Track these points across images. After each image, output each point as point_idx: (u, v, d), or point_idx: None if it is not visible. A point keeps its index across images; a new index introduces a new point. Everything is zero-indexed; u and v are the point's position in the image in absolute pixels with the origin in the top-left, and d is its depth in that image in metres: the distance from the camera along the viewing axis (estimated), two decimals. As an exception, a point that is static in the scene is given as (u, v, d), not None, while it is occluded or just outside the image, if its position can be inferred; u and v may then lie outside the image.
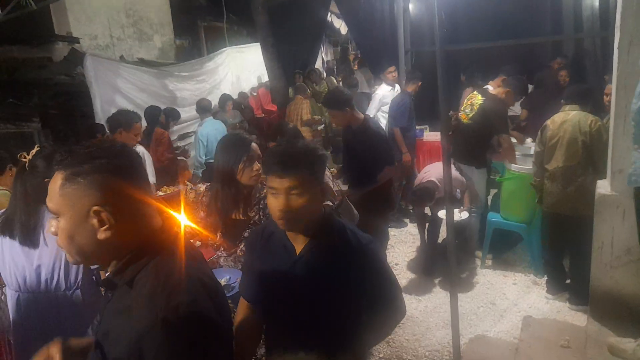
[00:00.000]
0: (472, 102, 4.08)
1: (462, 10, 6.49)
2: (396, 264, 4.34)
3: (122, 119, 3.75)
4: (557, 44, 6.66)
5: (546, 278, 3.70)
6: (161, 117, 5.61)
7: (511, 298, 3.64)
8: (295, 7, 8.18)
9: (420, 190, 3.77)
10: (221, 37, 10.82)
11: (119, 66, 6.42)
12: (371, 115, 5.51)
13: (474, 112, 4.03)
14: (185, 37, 11.34)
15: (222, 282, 2.06)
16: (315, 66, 9.89)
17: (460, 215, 3.77)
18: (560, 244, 3.54)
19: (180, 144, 6.80)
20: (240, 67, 9.61)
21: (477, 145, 4.04)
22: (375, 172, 3.18)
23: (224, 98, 6.98)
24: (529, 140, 4.62)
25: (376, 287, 1.48)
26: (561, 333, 2.87)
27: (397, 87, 5.80)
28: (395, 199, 3.52)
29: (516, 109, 5.96)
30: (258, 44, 8.80)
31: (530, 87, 5.64)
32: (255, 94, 9.54)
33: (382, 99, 5.65)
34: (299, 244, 1.47)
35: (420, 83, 5.21)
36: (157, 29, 10.30)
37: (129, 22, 9.54)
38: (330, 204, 2.71)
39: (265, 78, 9.54)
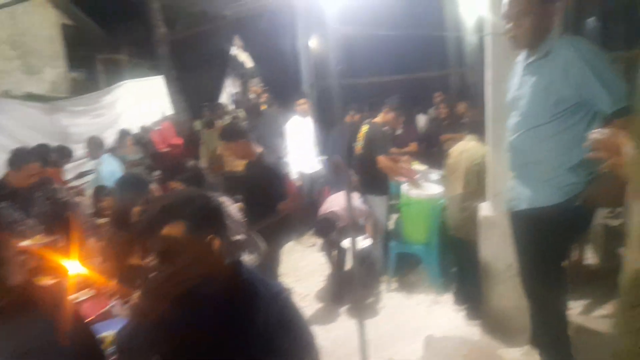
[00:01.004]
0: (361, 133, 4.34)
1: (360, 47, 6.90)
2: (306, 295, 4.35)
3: (12, 158, 3.49)
4: (444, 78, 7.31)
5: (451, 294, 3.95)
6: (52, 156, 5.21)
7: (415, 319, 3.79)
8: (197, 40, 8.16)
9: (321, 221, 3.86)
10: (121, 69, 10.42)
11: (1, 102, 5.90)
12: (287, 148, 5.54)
13: (362, 142, 4.29)
14: (80, 70, 10.75)
15: (111, 335, 1.93)
16: (222, 99, 9.84)
17: (364, 242, 3.91)
18: (458, 264, 3.81)
19: (77, 183, 6.34)
20: (142, 101, 9.29)
21: (371, 174, 4.26)
22: (268, 207, 3.17)
23: (123, 133, 6.67)
24: (424, 167, 4.93)
25: (292, 338, 1.42)
26: (460, 348, 3.05)
27: (309, 118, 5.86)
28: (290, 234, 3.56)
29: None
30: (161, 76, 8.60)
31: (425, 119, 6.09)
32: (159, 128, 9.24)
33: (295, 130, 5.68)
34: (204, 296, 1.37)
35: (352, 113, 5.33)
36: (47, 61, 9.66)
37: (15, 54, 8.86)
38: (242, 237, 2.69)
39: (169, 111, 9.29)
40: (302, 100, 5.72)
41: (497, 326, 2.81)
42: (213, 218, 1.37)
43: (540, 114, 2.15)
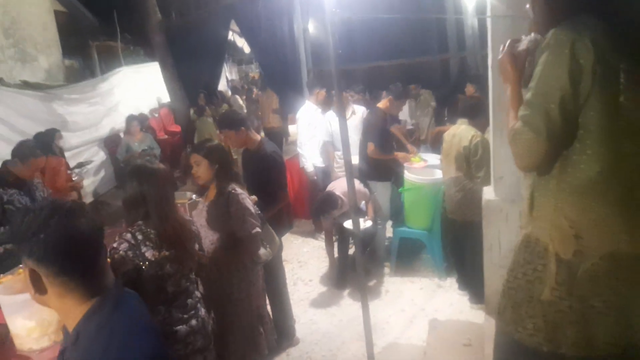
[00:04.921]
0: (364, 118, 4.34)
1: (359, 32, 6.83)
2: (310, 280, 4.38)
3: (19, 152, 3.67)
4: (444, 62, 7.25)
5: (453, 279, 4.00)
6: (54, 144, 5.20)
7: (419, 303, 3.83)
8: (193, 26, 8.03)
9: (323, 197, 3.95)
10: (116, 56, 10.31)
11: (-3, 91, 5.83)
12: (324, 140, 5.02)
13: (363, 128, 4.31)
14: (75, 57, 10.63)
15: None
16: (220, 85, 9.78)
17: (365, 224, 3.94)
18: (457, 247, 3.82)
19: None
20: (139, 88, 9.21)
21: (372, 158, 4.25)
22: (268, 196, 3.14)
23: (130, 119, 6.60)
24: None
25: None
26: (463, 332, 3.07)
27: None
28: (288, 222, 3.53)
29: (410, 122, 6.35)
30: (156, 63, 8.52)
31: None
32: (156, 115, 9.19)
33: (308, 120, 5.13)
34: None
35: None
36: (42, 49, 9.53)
37: (9, 42, 8.74)
38: (259, 230, 2.65)
39: (165, 98, 9.23)
40: (320, 90, 5.07)
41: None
42: None
43: None
